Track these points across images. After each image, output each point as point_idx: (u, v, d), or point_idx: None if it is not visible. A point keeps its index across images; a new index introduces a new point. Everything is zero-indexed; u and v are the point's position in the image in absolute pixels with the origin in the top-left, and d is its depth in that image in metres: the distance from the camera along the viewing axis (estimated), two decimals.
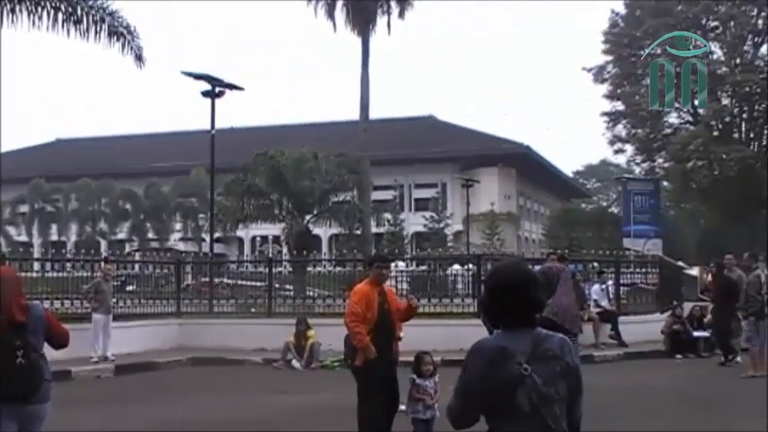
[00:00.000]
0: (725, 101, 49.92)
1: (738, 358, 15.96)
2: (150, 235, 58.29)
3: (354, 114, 37.47)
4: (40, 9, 17.21)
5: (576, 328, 9.32)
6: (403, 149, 56.80)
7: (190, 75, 27.20)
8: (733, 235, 47.58)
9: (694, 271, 24.33)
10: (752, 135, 50.81)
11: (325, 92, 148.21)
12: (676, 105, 52.57)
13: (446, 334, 16.29)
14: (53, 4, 17.39)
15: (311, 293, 22.62)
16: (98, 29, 17.84)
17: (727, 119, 50.17)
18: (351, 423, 8.19)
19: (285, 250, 35.61)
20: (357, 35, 36.21)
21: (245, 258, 46.65)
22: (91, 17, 17.78)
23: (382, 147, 45.23)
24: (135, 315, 19.11)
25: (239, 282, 23.85)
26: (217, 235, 33.08)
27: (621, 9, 52.86)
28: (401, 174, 58.11)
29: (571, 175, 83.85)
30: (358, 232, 35.73)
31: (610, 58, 52.59)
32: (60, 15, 17.48)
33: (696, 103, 51.53)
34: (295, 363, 16.52)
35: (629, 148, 54.73)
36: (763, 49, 50.49)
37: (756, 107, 49.48)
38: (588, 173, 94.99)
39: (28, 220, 61.31)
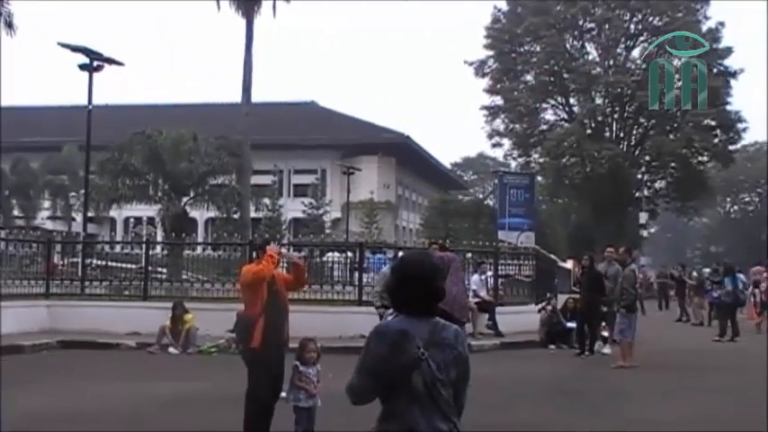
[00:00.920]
0: (598, 100, 51.66)
1: (607, 349, 16.51)
2: (16, 213, 55.67)
3: (236, 97, 36.80)
4: None
5: (465, 318, 9.43)
6: (284, 134, 56.28)
7: (67, 46, 26.07)
8: (602, 230, 49.42)
9: (568, 264, 25.04)
10: (622, 134, 52.78)
11: (207, 73, 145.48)
12: (552, 103, 54.37)
13: (325, 321, 16.22)
14: None
15: (187, 277, 22.16)
16: None
17: (600, 118, 51.95)
18: (231, 411, 7.97)
19: (160, 232, 34.77)
20: (241, 16, 35.51)
21: (117, 239, 45.18)
22: None
23: (263, 131, 44.64)
24: None
25: (111, 263, 23.06)
26: (89, 215, 31.88)
27: (504, 6, 53.83)
28: (281, 159, 57.52)
29: (449, 166, 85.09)
30: (236, 216, 35.13)
31: (491, 53, 53.49)
32: None
33: (572, 101, 53.44)
34: (171, 348, 16.07)
35: (507, 143, 55.93)
36: (634, 53, 52.55)
37: (627, 108, 51.42)
38: (466, 165, 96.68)
39: None
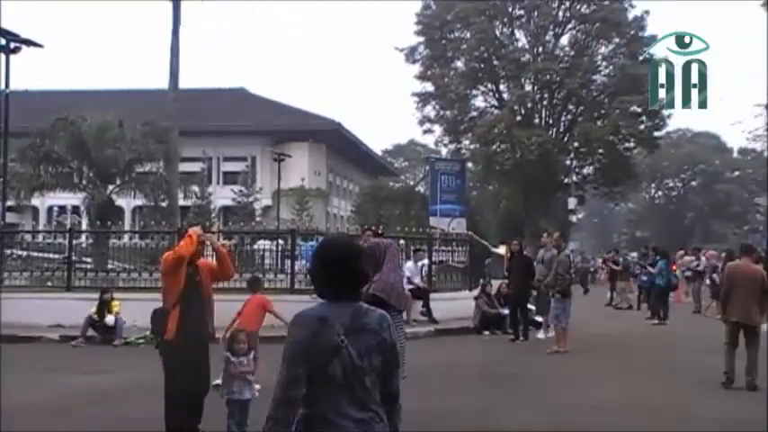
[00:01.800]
0: (528, 87, 51.94)
1: (541, 335, 16.57)
2: None
3: (163, 83, 35.93)
4: None
5: (402, 305, 9.18)
6: (213, 121, 55.40)
7: None
8: (531, 216, 49.92)
9: (501, 250, 25.05)
10: (551, 121, 53.19)
11: (133, 58, 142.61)
12: (482, 89, 54.56)
13: None
14: None
15: (113, 267, 21.60)
16: None
17: (530, 105, 52.24)
18: (157, 404, 7.63)
19: (85, 221, 33.88)
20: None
21: (39, 229, 43.88)
22: None
23: (192, 117, 43.82)
24: None
25: (33, 253, 22.31)
26: (9, 203, 30.82)
27: None
28: (210, 146, 56.62)
29: (381, 153, 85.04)
30: (164, 204, 34.35)
31: (421, 39, 53.35)
32: None
33: (502, 87, 53.70)
34: (96, 339, 15.56)
35: (438, 129, 55.90)
36: (563, 40, 52.97)
37: (556, 95, 51.83)
38: (397, 152, 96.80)
39: None
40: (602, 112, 51.51)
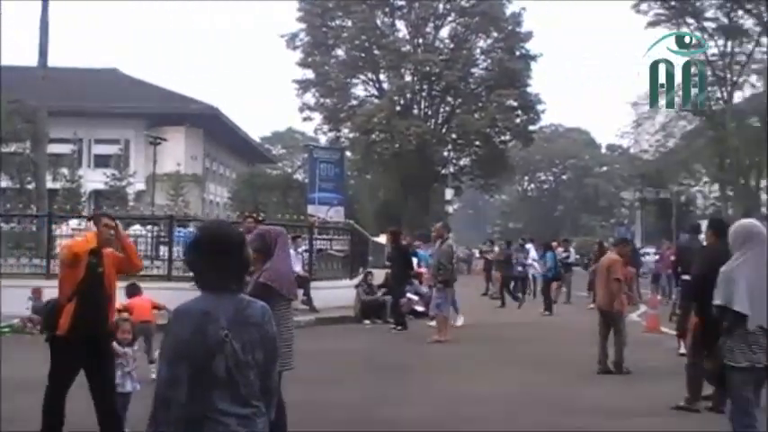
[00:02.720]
0: (408, 78, 52.33)
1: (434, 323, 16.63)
2: None
3: (32, 60, 34.30)
4: None
5: (294, 295, 8.98)
6: (84, 102, 53.29)
7: None
8: (409, 206, 50.37)
9: (382, 239, 25.09)
10: (430, 112, 53.83)
11: None
12: (363, 78, 54.65)
13: None
14: None
15: None
16: None
17: (409, 95, 52.71)
18: (31, 395, 7.16)
19: None
20: None
21: None
22: None
23: (61, 97, 42.03)
24: None
25: None
26: None
27: None
28: (81, 127, 54.41)
29: (259, 140, 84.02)
30: (30, 187, 32.91)
31: (303, 26, 53.02)
32: None
33: (382, 77, 53.90)
34: None
35: (317, 117, 55.72)
36: (443, 32, 53.64)
37: (435, 86, 52.45)
38: (275, 139, 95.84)
39: None
40: (480, 104, 52.48)
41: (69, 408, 6.72)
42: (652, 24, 48.53)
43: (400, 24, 53.67)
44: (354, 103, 54.31)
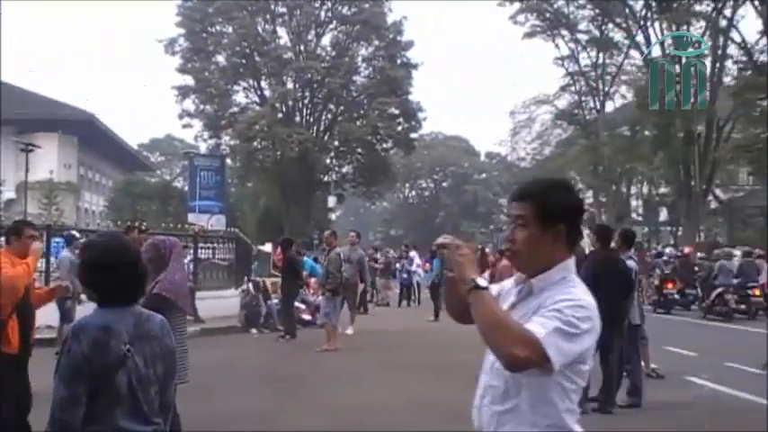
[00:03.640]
0: (289, 85, 52.15)
1: (350, 330, 16.55)
2: None
3: None
4: None
5: (188, 307, 8.79)
6: None
7: None
8: (291, 213, 50.15)
9: (267, 247, 24.90)
10: (312, 120, 53.77)
11: None
12: (244, 85, 54.13)
13: None
14: None
15: None
16: None
17: (291, 102, 52.53)
18: None
19: None
20: None
21: None
22: None
23: None
24: None
25: None
26: None
27: None
28: None
29: (136, 147, 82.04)
30: None
31: (182, 31, 52.11)
32: None
33: (263, 84, 53.54)
34: None
35: (197, 124, 54.84)
36: (324, 40, 53.70)
37: (317, 94, 52.45)
38: (153, 146, 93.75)
39: None
40: (362, 112, 52.79)
41: None
42: (528, 35, 50.11)
43: (282, 31, 53.51)
44: (235, 110, 53.74)
